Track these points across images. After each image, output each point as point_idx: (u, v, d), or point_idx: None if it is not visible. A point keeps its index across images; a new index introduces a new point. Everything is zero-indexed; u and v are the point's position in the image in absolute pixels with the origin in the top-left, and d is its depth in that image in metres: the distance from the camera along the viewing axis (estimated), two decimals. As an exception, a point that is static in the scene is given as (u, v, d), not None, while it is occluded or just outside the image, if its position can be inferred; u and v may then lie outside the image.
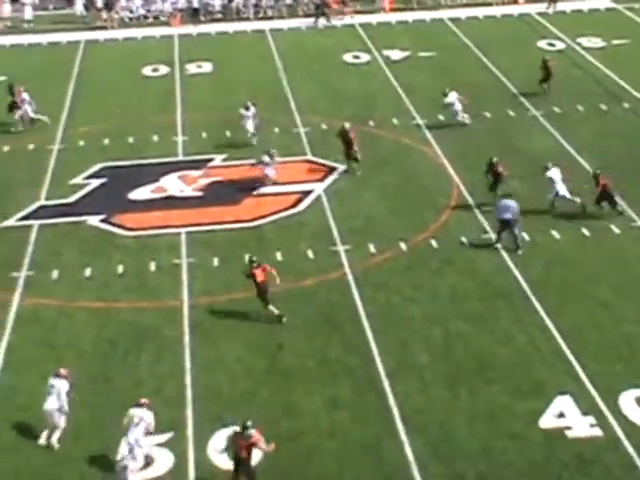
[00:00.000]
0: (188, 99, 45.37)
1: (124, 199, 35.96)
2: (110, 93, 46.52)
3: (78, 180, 37.45)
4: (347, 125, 37.61)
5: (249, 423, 21.66)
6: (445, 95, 41.35)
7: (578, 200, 33.53)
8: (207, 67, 50.19)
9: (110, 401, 24.92)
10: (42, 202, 35.80)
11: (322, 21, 57.19)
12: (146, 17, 59.41)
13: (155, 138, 40.81)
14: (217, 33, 56.18)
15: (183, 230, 33.58)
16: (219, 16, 59.33)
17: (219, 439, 23.45)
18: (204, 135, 41.10)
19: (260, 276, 28.14)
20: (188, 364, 26.44)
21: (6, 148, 40.48)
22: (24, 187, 36.86)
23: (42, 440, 23.82)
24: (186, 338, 27.66)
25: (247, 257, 29.58)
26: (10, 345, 27.56)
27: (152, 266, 31.35)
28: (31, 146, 40.49)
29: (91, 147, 40.36)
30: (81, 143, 40.82)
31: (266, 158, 36.25)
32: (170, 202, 35.65)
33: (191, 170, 38.11)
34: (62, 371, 24.19)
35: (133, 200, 35.92)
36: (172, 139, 40.85)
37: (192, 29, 56.98)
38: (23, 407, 24.87)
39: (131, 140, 40.73)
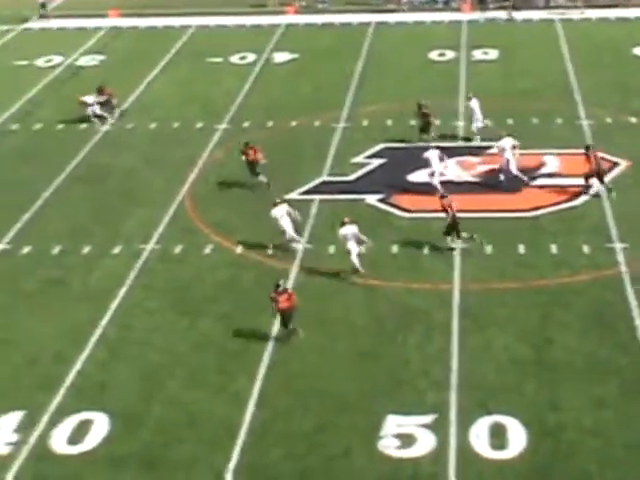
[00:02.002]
0: (472, 85, 45.43)
1: (403, 180, 36.60)
2: (396, 75, 47.32)
3: (359, 159, 38.40)
4: None
5: (281, 282, 27.33)
6: (469, 99, 40.09)
7: None
8: (493, 54, 50.10)
9: (377, 377, 25.61)
10: (324, 178, 36.98)
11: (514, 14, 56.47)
12: (435, 1, 59.80)
13: (437, 122, 41.20)
14: (504, 20, 55.92)
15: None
16: (507, 3, 58.98)
17: (482, 426, 23.70)
18: (486, 121, 41.13)
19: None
20: (455, 349, 26.74)
21: (294, 123, 41.98)
22: (308, 162, 38.20)
23: (361, 268, 30.44)
24: (455, 323, 27.97)
25: None
26: (286, 314, 28.74)
27: (426, 248, 31.80)
28: (317, 123, 41.80)
29: (374, 127, 41.26)
30: (365, 123, 41.78)
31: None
32: (447, 186, 35.96)
33: (470, 156, 38.30)
34: (347, 219, 30.52)
35: (411, 182, 36.49)
36: (453, 124, 41.13)
37: (480, 15, 56.98)
38: (296, 374, 25.97)
39: (413, 122, 41.26)
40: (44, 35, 57.99)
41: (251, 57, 51.52)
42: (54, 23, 59.77)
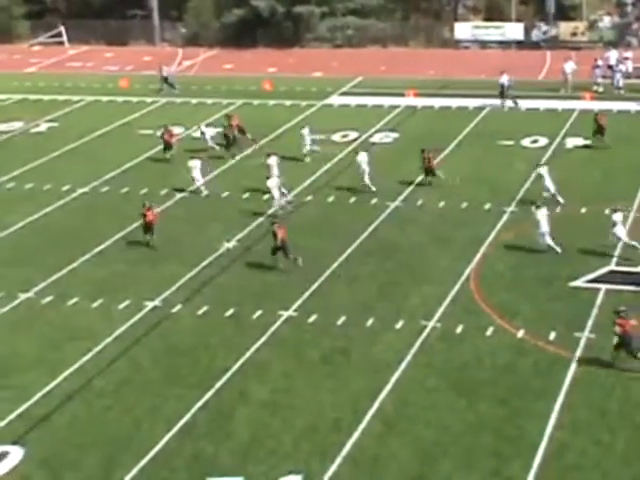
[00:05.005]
0: None
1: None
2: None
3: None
4: None
5: (147, 203, 39.35)
6: (302, 127, 49.84)
7: None
8: None
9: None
10: (612, 267, 36.35)
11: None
12: None
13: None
14: None
15: None
16: None
17: None
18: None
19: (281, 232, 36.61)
20: None
21: (583, 210, 41.35)
22: (596, 250, 37.58)
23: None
24: None
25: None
26: (565, 403, 28.28)
27: None
28: (607, 211, 41.12)
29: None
30: None
31: None
32: None
33: None
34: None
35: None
36: None
37: None
38: (572, 466, 25.41)
39: None
40: (343, 111, 60.31)
41: (543, 141, 51.54)
42: (353, 100, 62.05)
